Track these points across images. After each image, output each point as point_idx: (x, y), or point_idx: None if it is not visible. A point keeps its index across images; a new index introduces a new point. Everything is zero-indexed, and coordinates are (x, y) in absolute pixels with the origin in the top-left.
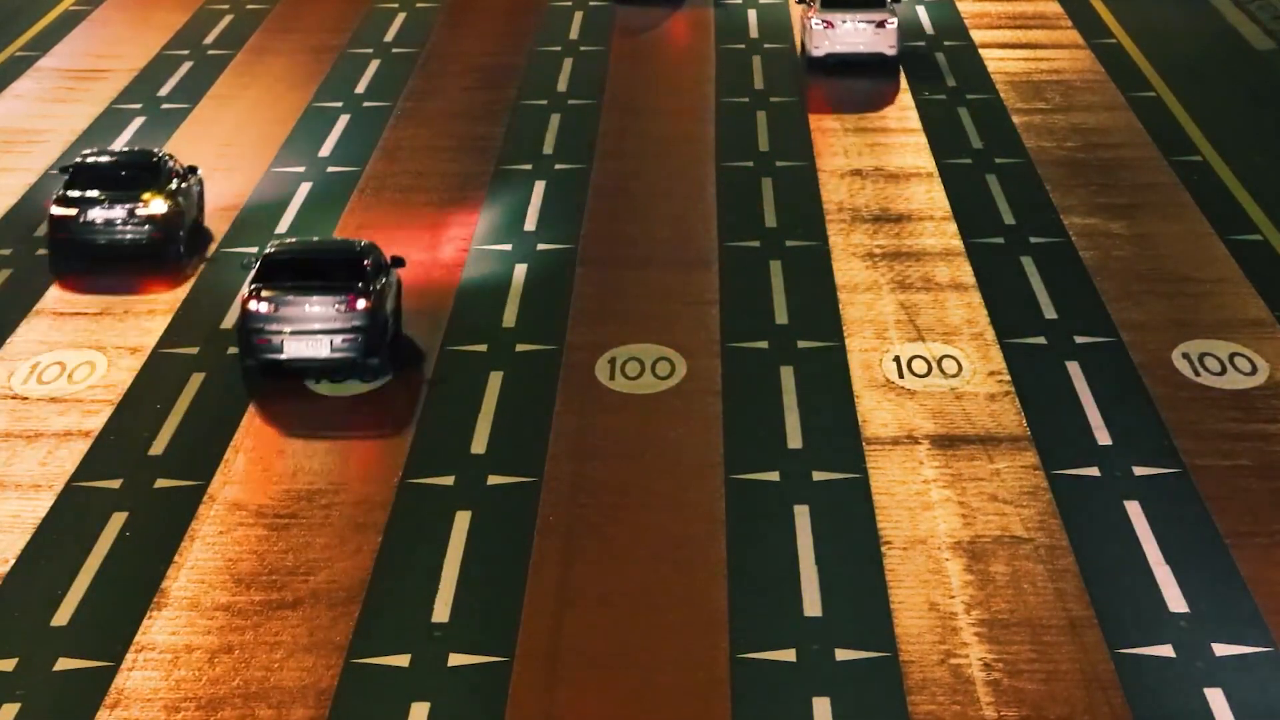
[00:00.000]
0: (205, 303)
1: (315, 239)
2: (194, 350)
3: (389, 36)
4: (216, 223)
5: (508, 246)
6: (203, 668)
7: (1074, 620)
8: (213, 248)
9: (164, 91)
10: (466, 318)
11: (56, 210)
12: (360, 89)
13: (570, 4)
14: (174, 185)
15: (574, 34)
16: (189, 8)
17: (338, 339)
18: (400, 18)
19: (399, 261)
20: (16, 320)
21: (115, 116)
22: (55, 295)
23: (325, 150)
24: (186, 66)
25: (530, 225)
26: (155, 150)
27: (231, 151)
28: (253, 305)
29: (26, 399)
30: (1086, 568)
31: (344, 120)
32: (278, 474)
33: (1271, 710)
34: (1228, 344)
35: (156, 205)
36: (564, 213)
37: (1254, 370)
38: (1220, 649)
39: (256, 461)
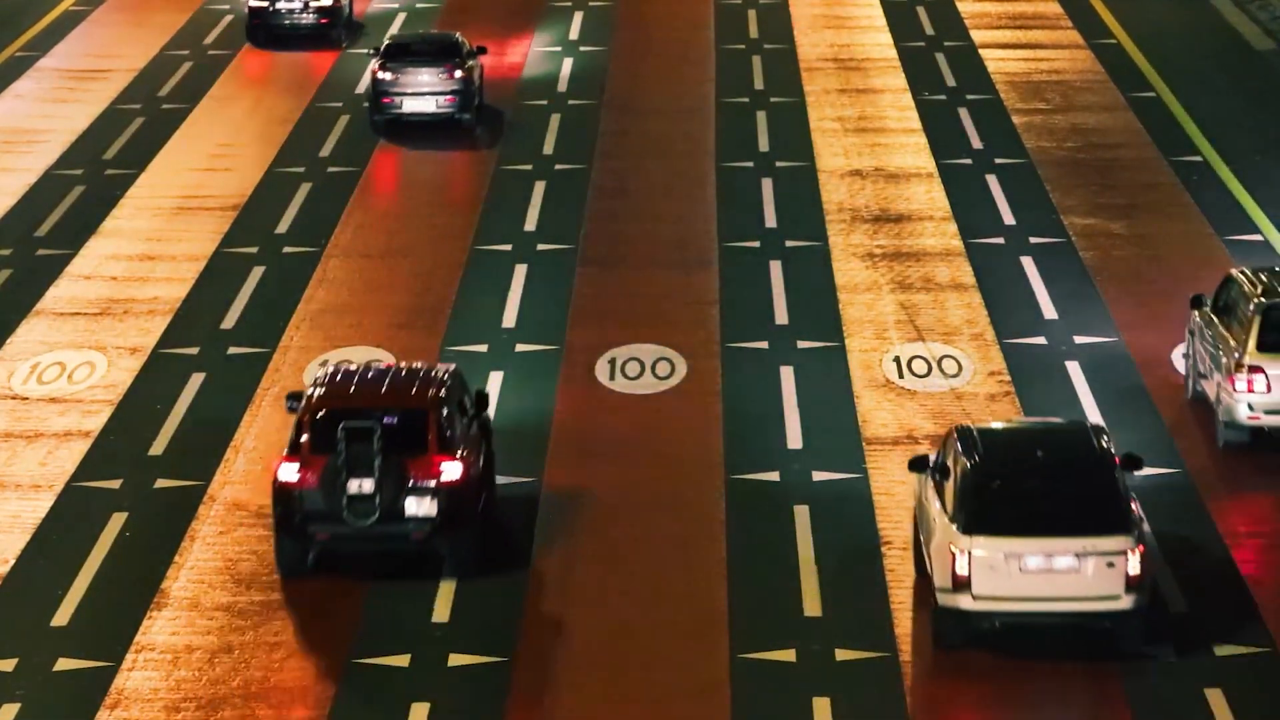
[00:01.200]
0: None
1: (423, 32)
2: (194, 350)
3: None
4: (217, 220)
5: (508, 246)
6: (203, 668)
7: None
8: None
9: (164, 91)
10: (468, 311)
11: (254, 3)
12: (360, 89)
13: (570, 4)
14: None
15: (574, 34)
16: (189, 8)
17: (441, 99)
18: (400, 18)
19: (482, 49)
20: (16, 320)
21: (115, 116)
22: (55, 295)
23: (326, 150)
24: (186, 66)
25: (530, 225)
26: None
27: (231, 152)
28: (380, 74)
29: (26, 399)
30: None
31: (344, 120)
32: None
33: (1271, 710)
34: None
35: None
36: (564, 213)
37: None
38: (1220, 649)
39: (256, 461)
